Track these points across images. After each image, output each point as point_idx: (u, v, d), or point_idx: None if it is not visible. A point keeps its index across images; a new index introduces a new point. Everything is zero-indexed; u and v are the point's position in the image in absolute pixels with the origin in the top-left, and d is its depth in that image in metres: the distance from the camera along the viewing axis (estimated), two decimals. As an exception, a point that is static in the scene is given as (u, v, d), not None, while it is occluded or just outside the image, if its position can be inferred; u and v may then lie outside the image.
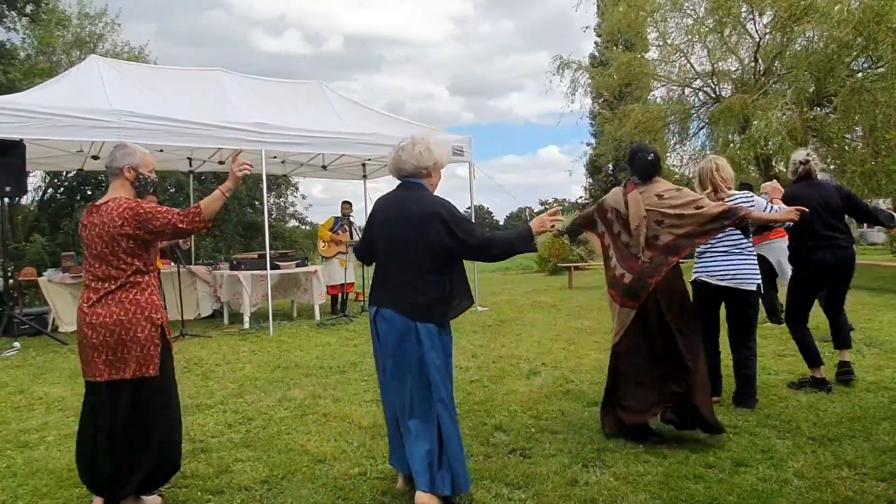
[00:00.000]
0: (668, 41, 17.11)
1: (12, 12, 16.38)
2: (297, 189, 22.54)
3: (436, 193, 3.17)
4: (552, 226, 3.16)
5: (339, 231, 10.18)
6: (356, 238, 10.26)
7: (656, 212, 3.78)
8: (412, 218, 2.98)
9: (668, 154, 18.61)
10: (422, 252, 2.95)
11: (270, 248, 8.81)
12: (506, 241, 3.09)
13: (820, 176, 6.89)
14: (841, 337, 5.02)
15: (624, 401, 3.80)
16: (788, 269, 7.88)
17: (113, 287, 2.90)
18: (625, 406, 3.79)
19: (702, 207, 3.71)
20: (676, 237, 3.73)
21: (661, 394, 3.75)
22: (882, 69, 13.21)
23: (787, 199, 4.88)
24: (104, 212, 2.94)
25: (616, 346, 3.89)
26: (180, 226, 2.95)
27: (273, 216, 20.98)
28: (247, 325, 8.78)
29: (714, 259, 4.35)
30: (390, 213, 3.11)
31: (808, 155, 5.05)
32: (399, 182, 3.19)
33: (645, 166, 3.92)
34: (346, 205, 10.36)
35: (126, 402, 2.88)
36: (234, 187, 3.17)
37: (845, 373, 4.89)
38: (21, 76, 14.85)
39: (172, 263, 8.71)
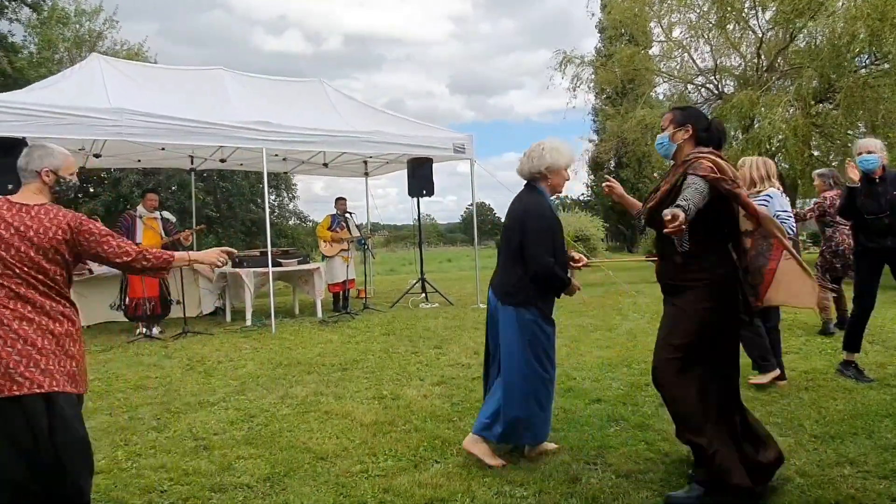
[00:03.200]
0: (671, 36, 17.08)
1: (13, 3, 16.38)
2: (294, 189, 22.57)
3: (535, 196, 3.48)
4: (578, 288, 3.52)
5: (338, 228, 10.17)
6: (356, 234, 10.27)
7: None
8: (513, 214, 3.47)
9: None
10: (514, 245, 3.39)
11: (272, 246, 8.81)
12: (557, 279, 3.39)
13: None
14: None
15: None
16: None
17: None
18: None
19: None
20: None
21: None
22: (886, 65, 13.18)
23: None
24: (32, 215, 2.69)
25: None
26: (142, 263, 2.83)
27: (275, 214, 20.97)
28: (249, 323, 8.79)
29: None
30: (509, 209, 3.56)
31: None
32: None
33: (723, 133, 3.12)
34: (341, 201, 10.35)
35: None
36: (202, 263, 3.13)
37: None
38: (26, 65, 14.85)
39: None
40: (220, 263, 3.11)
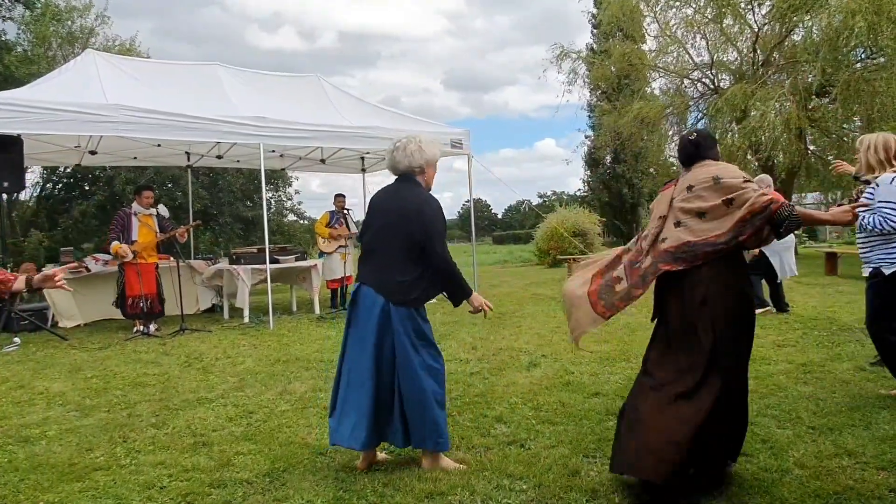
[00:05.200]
0: (667, 31, 17.07)
1: (7, 1, 16.30)
2: (291, 185, 22.54)
3: (433, 189, 3.54)
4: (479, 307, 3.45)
5: (336, 225, 10.15)
6: (354, 230, 10.26)
7: (676, 209, 3.07)
8: (399, 210, 3.29)
9: (666, 145, 18.61)
10: (408, 242, 3.24)
11: (269, 243, 8.80)
12: (456, 279, 3.32)
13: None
14: None
15: None
16: (789, 264, 7.88)
17: None
18: None
19: (732, 203, 2.91)
20: (679, 245, 2.97)
21: None
22: (882, 59, 13.20)
23: None
24: None
25: None
26: None
27: (272, 210, 20.94)
28: (246, 320, 8.78)
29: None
30: (384, 203, 3.41)
31: None
32: (395, 177, 3.49)
33: (684, 147, 3.24)
34: (340, 198, 10.34)
35: None
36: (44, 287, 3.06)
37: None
38: (18, 62, 14.77)
39: (171, 258, 8.70)
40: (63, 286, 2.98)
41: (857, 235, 4.32)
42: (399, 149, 3.38)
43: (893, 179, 3.98)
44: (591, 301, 3.14)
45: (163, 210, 8.50)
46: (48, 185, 19.15)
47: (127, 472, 3.44)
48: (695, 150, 3.17)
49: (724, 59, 16.95)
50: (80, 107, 7.28)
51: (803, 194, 23.81)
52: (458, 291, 3.36)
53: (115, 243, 7.94)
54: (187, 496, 3.12)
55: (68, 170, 17.44)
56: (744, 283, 3.07)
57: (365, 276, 3.34)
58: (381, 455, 3.49)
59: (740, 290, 3.01)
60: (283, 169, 14.68)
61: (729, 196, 2.92)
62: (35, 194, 19.30)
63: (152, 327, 8.08)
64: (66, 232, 16.44)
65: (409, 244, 3.22)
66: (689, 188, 3.06)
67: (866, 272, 4.24)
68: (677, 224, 3.04)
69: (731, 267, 2.99)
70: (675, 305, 3.04)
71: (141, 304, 8.04)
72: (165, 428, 4.19)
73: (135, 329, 7.99)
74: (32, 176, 17.91)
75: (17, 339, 7.53)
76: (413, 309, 3.25)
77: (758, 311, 7.67)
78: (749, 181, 2.99)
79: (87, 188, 18.46)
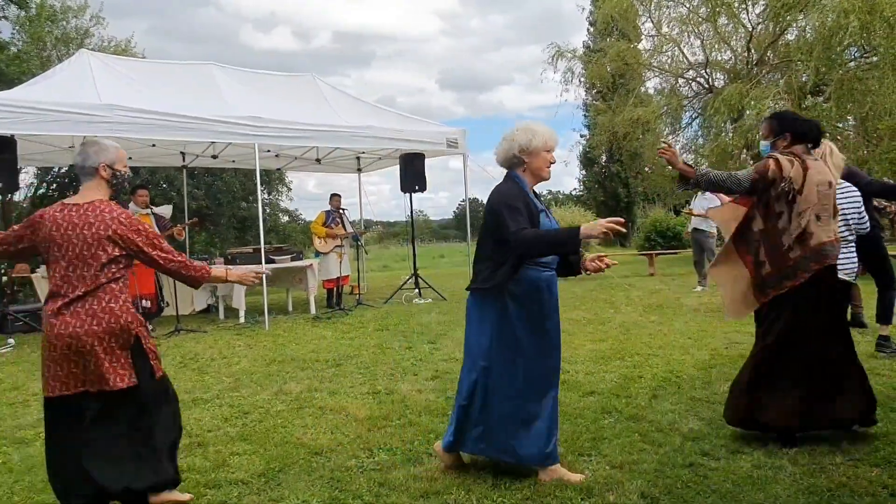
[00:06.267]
0: (662, 31, 17.11)
1: (1, 2, 16.22)
2: (289, 189, 22.53)
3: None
4: (604, 232, 2.82)
5: (332, 224, 10.15)
6: (350, 230, 10.26)
7: (833, 200, 3.40)
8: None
9: (661, 144, 18.62)
10: (483, 234, 3.16)
11: (265, 243, 8.79)
12: (544, 240, 3.03)
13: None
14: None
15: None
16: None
17: (82, 293, 2.70)
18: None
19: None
20: (830, 241, 3.36)
21: None
22: (875, 58, 13.26)
23: None
24: (90, 212, 2.77)
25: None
26: (182, 273, 2.94)
27: (267, 211, 20.92)
28: (242, 320, 8.77)
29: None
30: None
31: None
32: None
33: (814, 127, 3.51)
34: (336, 197, 10.34)
35: (94, 415, 2.72)
36: (240, 283, 3.23)
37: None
38: (9, 62, 14.69)
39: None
40: (253, 283, 3.19)
41: None
42: (498, 143, 3.21)
43: None
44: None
45: (166, 210, 8.48)
46: (43, 186, 19.07)
47: (122, 473, 3.43)
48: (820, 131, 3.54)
49: (719, 58, 17.00)
50: (74, 107, 7.26)
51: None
52: (560, 246, 3.05)
53: None
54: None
55: (63, 170, 17.37)
56: None
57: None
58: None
59: None
60: (279, 169, 14.66)
61: None
62: (29, 195, 19.21)
63: (148, 328, 8.05)
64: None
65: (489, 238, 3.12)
66: (830, 184, 3.42)
67: None
68: (818, 217, 3.36)
69: None
70: None
71: (141, 304, 8.00)
72: (161, 428, 4.17)
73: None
74: (27, 177, 17.83)
75: (11, 341, 7.50)
76: None
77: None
78: None
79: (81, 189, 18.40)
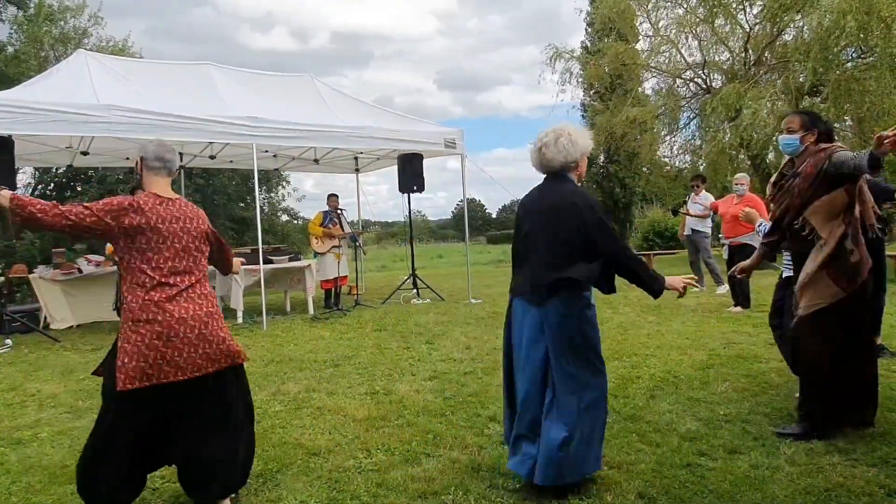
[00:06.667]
0: (659, 32, 17.13)
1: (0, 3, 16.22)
2: (288, 183, 22.51)
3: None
4: (683, 287, 3.07)
5: (330, 224, 10.15)
6: (347, 230, 10.25)
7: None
8: (553, 209, 3.01)
9: (658, 145, 18.66)
10: (553, 240, 2.99)
11: (262, 243, 8.79)
12: (640, 263, 3.02)
13: None
14: None
15: None
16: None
17: (193, 281, 2.91)
18: None
19: None
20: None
21: None
22: (872, 59, 13.29)
23: None
24: (186, 208, 2.97)
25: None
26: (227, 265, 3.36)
27: (265, 211, 20.92)
28: (240, 320, 8.76)
29: None
30: (536, 204, 3.11)
31: None
32: (545, 176, 3.16)
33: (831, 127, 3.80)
34: (333, 198, 10.33)
35: (214, 394, 2.94)
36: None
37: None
38: (8, 62, 14.69)
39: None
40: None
41: None
42: (549, 145, 3.04)
43: None
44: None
45: None
46: (40, 186, 19.05)
47: (119, 474, 3.42)
48: None
49: (716, 58, 17.02)
50: (72, 107, 7.24)
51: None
52: (649, 279, 2.99)
53: (109, 244, 7.90)
54: (179, 497, 3.12)
55: (60, 170, 17.37)
56: None
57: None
58: None
59: None
60: (277, 169, 14.65)
61: None
62: (27, 195, 19.19)
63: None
64: (58, 232, 16.36)
65: (575, 246, 2.95)
66: None
67: None
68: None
69: None
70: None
71: None
72: (158, 429, 4.17)
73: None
74: (24, 177, 17.82)
75: (8, 341, 7.49)
76: None
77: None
78: None
79: (79, 189, 18.37)
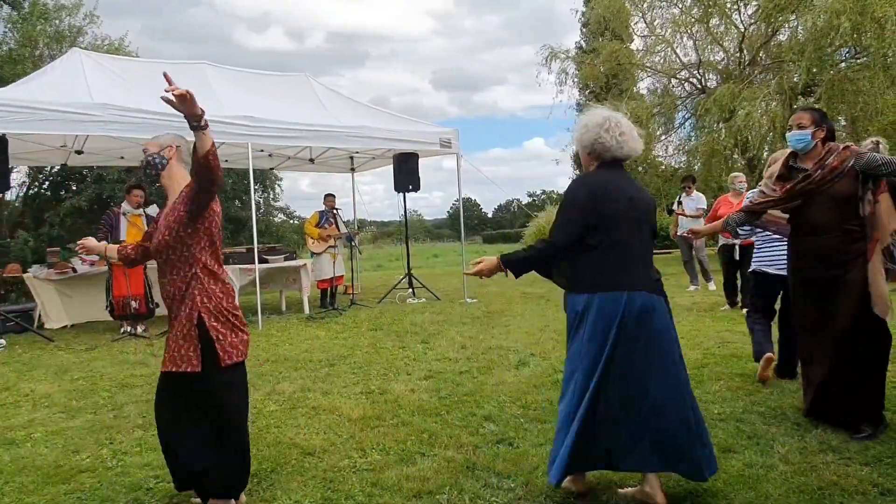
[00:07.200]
0: (654, 31, 17.17)
1: None
2: (279, 184, 22.48)
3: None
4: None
5: (326, 225, 10.13)
6: (344, 230, 10.24)
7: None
8: (646, 200, 2.98)
9: (654, 145, 18.70)
10: (649, 234, 2.98)
11: (258, 243, 8.77)
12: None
13: None
14: None
15: None
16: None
17: None
18: None
19: None
20: None
21: None
22: (866, 59, 13.34)
23: None
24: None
25: None
26: None
27: (261, 211, 20.87)
28: (235, 320, 8.72)
29: (774, 249, 4.64)
30: (626, 193, 2.88)
31: None
32: (607, 162, 2.93)
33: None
34: (330, 198, 10.32)
35: None
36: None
37: None
38: (3, 62, 14.62)
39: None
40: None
41: None
42: (616, 132, 2.86)
43: None
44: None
45: (153, 210, 8.43)
46: (34, 185, 18.97)
47: (113, 474, 3.42)
48: None
49: (711, 58, 17.07)
50: (66, 106, 7.21)
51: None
52: None
53: (102, 243, 7.86)
54: (173, 498, 3.11)
55: (55, 169, 17.29)
56: None
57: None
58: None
59: None
60: (272, 169, 14.62)
61: None
62: (21, 194, 19.10)
63: (140, 328, 8.02)
64: (52, 232, 16.28)
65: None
66: None
67: None
68: None
69: None
70: None
71: (130, 305, 7.97)
72: (152, 429, 4.13)
73: (122, 330, 7.93)
74: (18, 176, 17.75)
75: (2, 341, 7.46)
76: None
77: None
78: None
79: (74, 188, 18.30)
